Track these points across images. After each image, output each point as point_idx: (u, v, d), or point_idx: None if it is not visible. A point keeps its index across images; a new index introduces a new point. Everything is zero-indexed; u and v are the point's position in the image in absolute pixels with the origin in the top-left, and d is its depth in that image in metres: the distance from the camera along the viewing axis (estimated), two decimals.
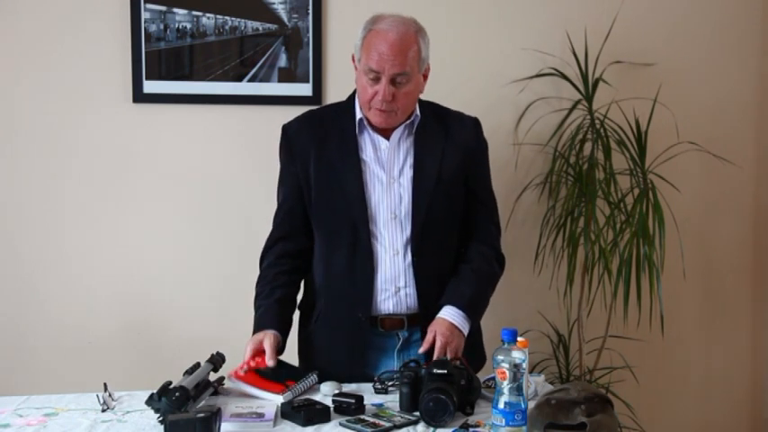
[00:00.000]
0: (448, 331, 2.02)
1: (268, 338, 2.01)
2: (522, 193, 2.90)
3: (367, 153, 2.12)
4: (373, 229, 2.08)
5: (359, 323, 2.08)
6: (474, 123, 2.23)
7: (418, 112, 2.14)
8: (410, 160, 2.12)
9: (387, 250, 2.09)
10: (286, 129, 2.19)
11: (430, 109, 2.19)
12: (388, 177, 2.10)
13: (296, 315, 2.26)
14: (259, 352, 2.00)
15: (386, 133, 2.12)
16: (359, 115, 2.12)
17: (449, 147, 2.14)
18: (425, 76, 2.13)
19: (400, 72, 2.01)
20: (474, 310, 2.10)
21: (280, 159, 2.20)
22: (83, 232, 2.76)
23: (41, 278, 2.76)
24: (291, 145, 2.15)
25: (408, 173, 2.11)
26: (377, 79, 2.02)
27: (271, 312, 2.09)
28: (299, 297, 2.25)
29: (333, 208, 2.10)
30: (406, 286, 2.09)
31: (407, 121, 2.12)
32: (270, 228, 2.22)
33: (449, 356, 1.98)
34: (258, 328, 2.07)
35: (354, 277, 2.08)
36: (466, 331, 2.07)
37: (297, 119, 2.20)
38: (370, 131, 2.12)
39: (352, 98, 2.17)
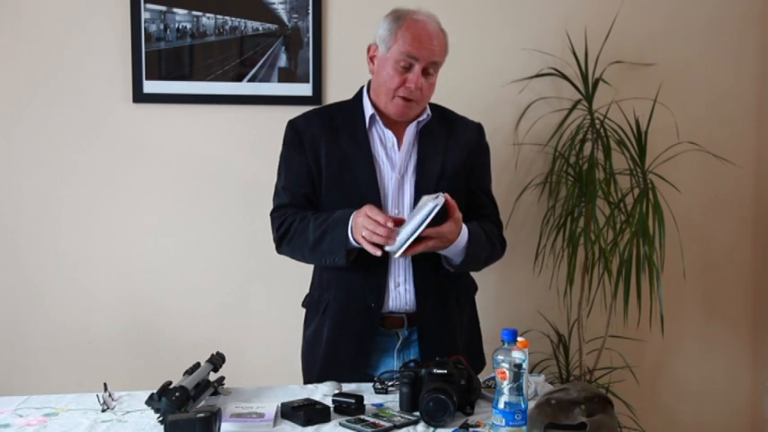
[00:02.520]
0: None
1: (365, 210, 1.93)
2: (522, 193, 2.90)
3: (376, 149, 2.12)
4: None
5: (369, 313, 2.08)
6: (477, 127, 2.26)
7: (429, 111, 2.15)
8: (415, 158, 2.12)
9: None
10: (294, 123, 2.18)
11: (437, 110, 2.21)
12: (395, 174, 2.11)
13: (300, 315, 2.26)
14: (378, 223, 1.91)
15: (395, 130, 2.13)
16: (369, 111, 2.12)
17: (452, 145, 2.16)
18: None
19: (436, 61, 2.07)
20: (471, 236, 2.04)
21: (284, 153, 2.18)
22: (83, 232, 2.77)
23: (41, 278, 2.76)
24: (301, 137, 2.14)
25: (413, 171, 2.11)
26: (409, 67, 2.05)
27: (335, 213, 2.03)
28: (303, 295, 2.25)
29: (346, 201, 2.07)
30: (405, 282, 2.10)
31: (419, 119, 2.13)
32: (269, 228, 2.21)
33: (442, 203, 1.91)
34: (345, 221, 1.98)
35: (366, 267, 2.06)
36: (458, 241, 2.01)
37: (304, 114, 2.21)
38: (381, 127, 2.13)
39: (359, 95, 2.17)
